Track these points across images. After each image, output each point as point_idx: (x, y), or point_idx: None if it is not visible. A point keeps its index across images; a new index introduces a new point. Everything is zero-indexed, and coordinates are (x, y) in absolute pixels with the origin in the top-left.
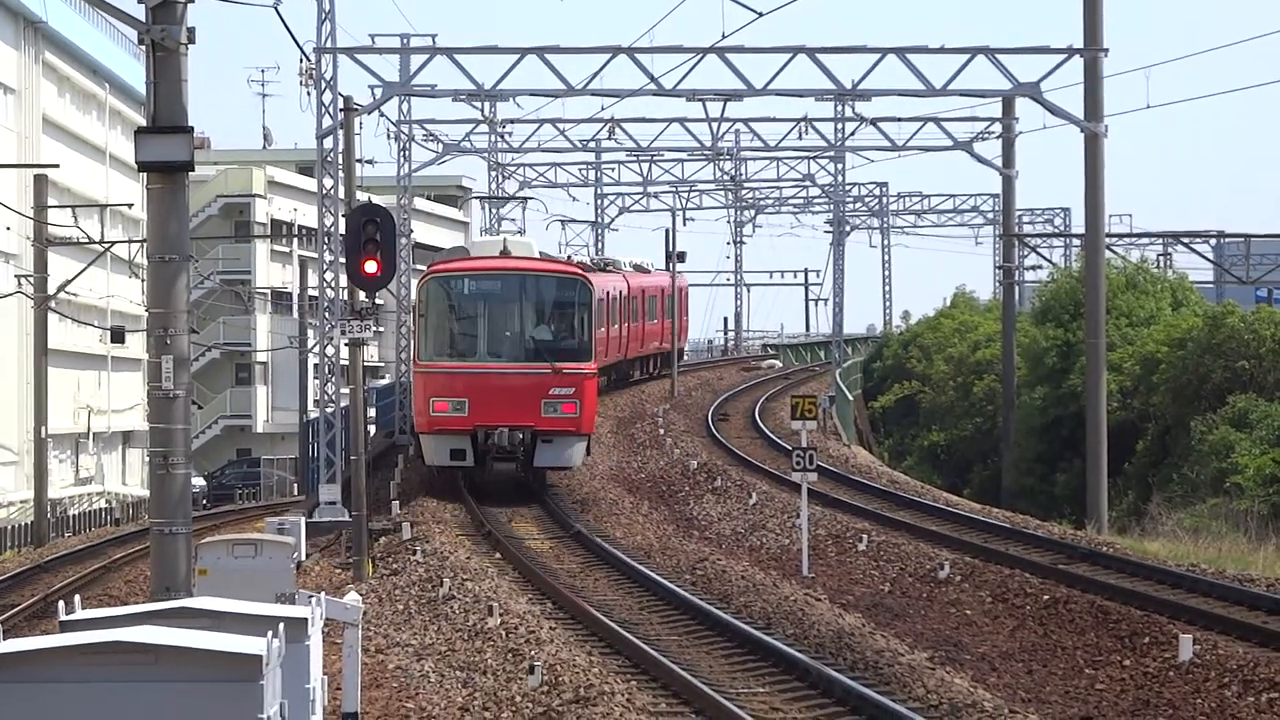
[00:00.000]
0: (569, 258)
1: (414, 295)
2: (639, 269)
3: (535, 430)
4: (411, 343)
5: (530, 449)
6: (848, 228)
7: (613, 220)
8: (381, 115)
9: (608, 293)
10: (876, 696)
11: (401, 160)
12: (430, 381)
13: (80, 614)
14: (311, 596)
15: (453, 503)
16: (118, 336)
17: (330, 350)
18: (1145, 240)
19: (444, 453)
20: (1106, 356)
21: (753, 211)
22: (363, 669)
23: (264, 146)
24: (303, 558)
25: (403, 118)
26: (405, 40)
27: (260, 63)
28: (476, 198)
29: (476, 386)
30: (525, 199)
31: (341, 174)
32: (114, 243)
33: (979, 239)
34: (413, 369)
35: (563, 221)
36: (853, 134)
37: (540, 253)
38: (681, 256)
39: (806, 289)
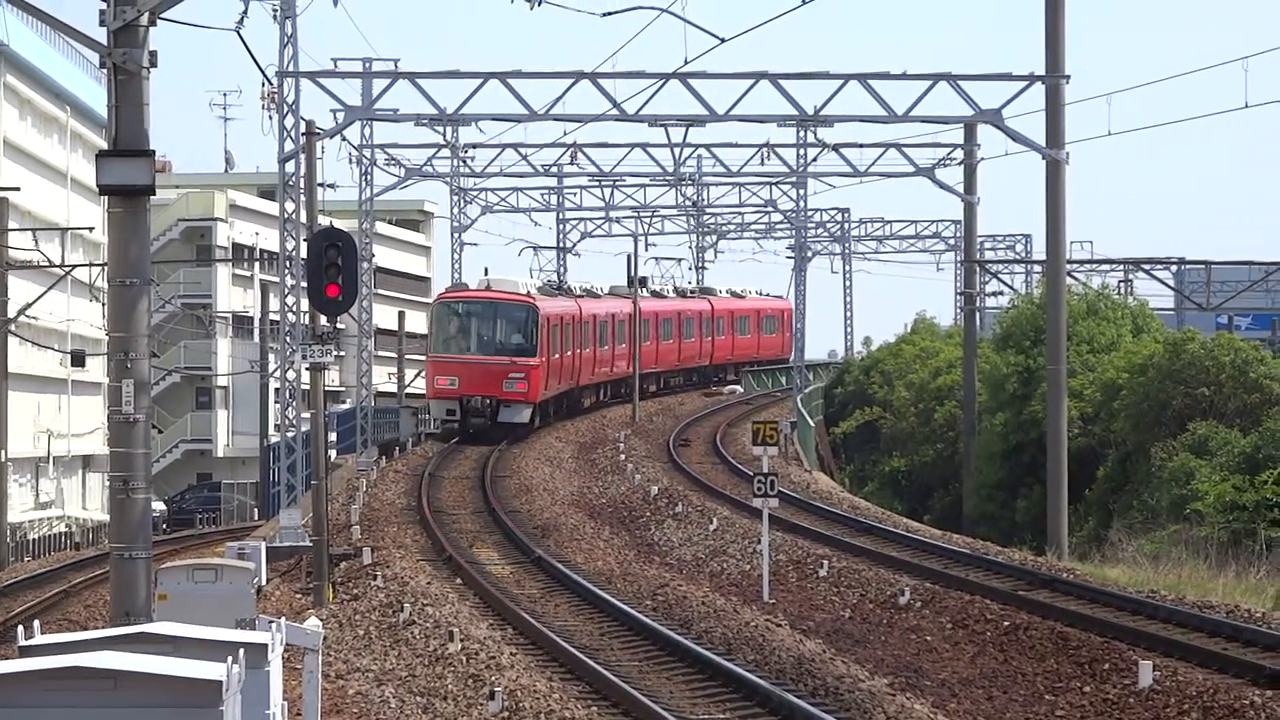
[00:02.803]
0: (649, 285)
1: (428, 312)
2: (735, 295)
3: (499, 399)
4: (426, 342)
5: (495, 411)
6: (809, 253)
7: (574, 245)
8: (343, 139)
9: (657, 313)
10: None
11: (363, 184)
12: (436, 366)
13: (40, 639)
14: (272, 622)
15: (414, 528)
16: (78, 360)
17: (291, 374)
18: (1106, 267)
19: (442, 411)
20: (1067, 383)
21: (715, 237)
22: (323, 695)
23: (225, 170)
24: (263, 583)
25: (365, 142)
26: (367, 64)
27: (222, 86)
28: (531, 247)
29: (463, 370)
30: (564, 248)
31: (303, 198)
32: (74, 266)
33: (940, 265)
34: (427, 359)
35: (658, 259)
36: (815, 160)
37: (548, 285)
38: (644, 281)
39: None
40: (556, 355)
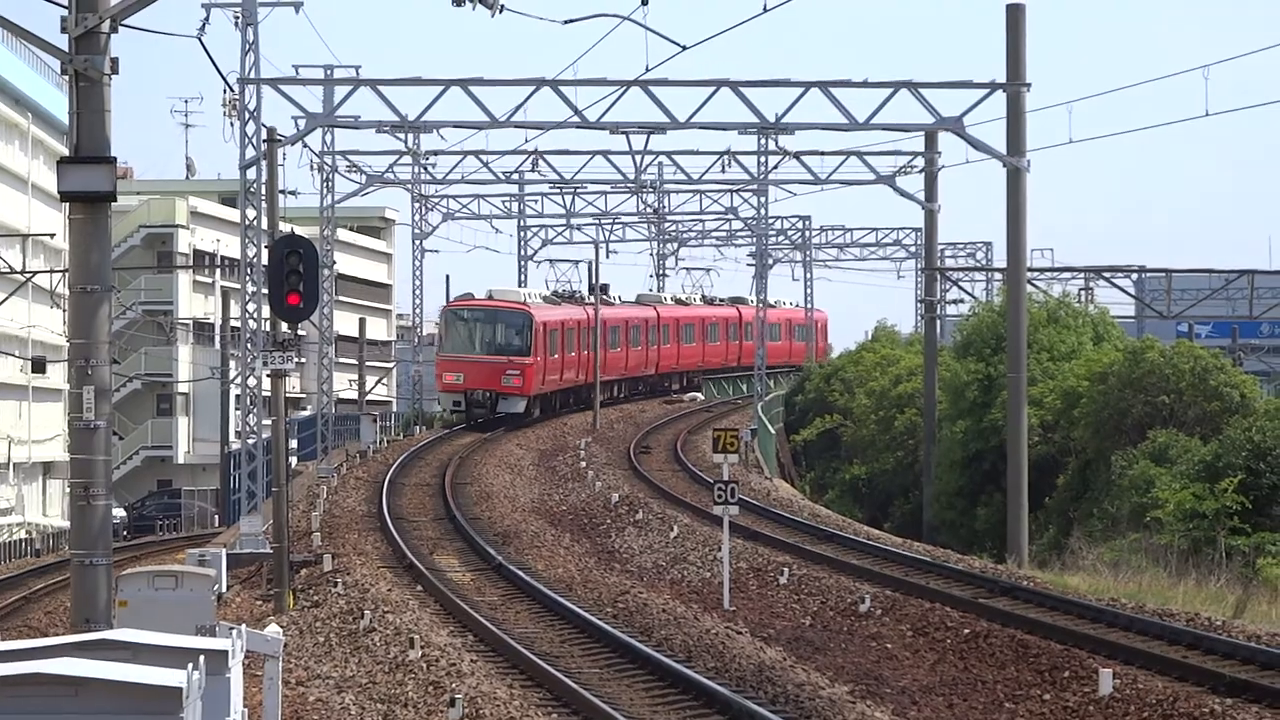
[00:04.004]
0: (673, 295)
1: (438, 319)
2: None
3: (498, 392)
4: (437, 344)
5: (494, 401)
6: (770, 261)
7: (535, 252)
8: (305, 146)
9: (678, 319)
10: None
11: (324, 191)
12: (445, 364)
13: None
14: (232, 629)
15: (374, 534)
16: (39, 367)
17: (252, 381)
18: (1067, 274)
19: (450, 403)
20: (1027, 391)
21: (676, 244)
22: (283, 702)
23: (187, 177)
24: (223, 589)
25: (326, 149)
26: (329, 71)
27: (184, 93)
28: (549, 260)
29: (467, 368)
30: (578, 261)
31: (265, 205)
32: (35, 272)
33: (901, 273)
34: (436, 358)
35: (689, 269)
36: (776, 167)
37: (554, 294)
38: (605, 289)
39: None
40: (555, 355)
